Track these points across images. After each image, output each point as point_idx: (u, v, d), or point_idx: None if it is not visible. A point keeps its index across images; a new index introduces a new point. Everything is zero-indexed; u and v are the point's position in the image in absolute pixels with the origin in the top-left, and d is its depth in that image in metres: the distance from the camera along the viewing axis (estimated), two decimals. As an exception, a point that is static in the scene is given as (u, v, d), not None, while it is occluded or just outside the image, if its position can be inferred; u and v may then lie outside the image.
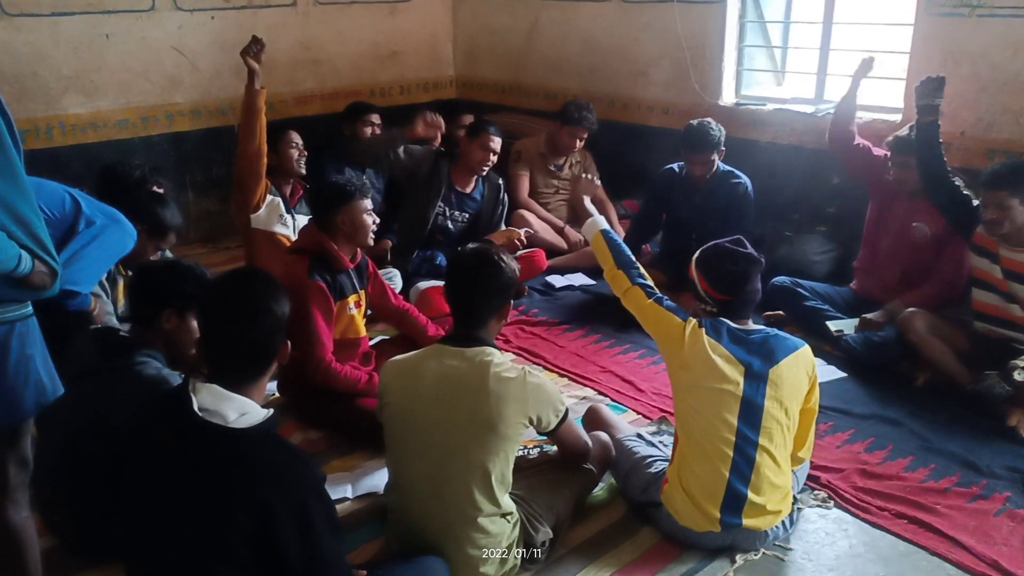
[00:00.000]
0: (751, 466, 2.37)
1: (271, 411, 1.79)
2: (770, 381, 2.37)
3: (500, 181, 4.69)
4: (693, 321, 2.46)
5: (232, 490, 1.66)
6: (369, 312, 3.44)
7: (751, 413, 2.36)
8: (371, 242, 3.25)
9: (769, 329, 2.48)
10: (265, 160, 3.83)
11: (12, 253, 1.78)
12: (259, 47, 3.73)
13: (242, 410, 1.74)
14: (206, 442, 1.70)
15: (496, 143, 4.43)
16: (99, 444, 2.26)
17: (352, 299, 3.20)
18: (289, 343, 1.91)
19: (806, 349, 2.47)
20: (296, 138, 4.10)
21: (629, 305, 2.69)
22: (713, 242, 2.55)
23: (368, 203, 3.19)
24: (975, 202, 3.36)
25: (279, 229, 3.96)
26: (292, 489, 1.70)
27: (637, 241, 4.49)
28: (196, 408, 1.70)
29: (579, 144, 5.01)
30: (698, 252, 2.55)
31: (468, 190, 4.57)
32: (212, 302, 1.89)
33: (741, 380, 2.36)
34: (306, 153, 4.15)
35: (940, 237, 3.66)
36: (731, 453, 2.36)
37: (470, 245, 2.45)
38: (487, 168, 4.48)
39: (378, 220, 3.24)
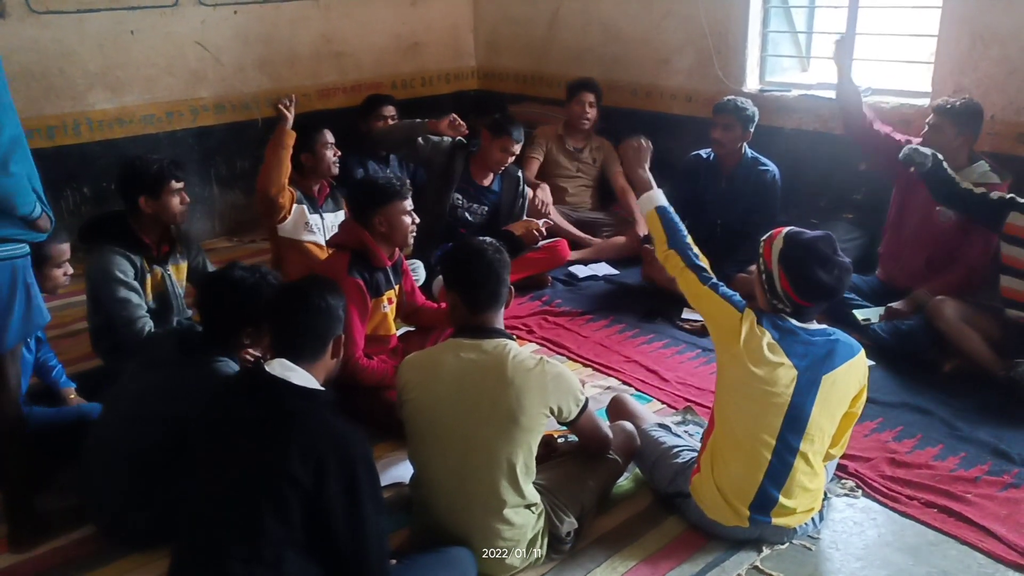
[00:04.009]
0: (787, 472, 2.34)
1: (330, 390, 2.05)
2: (822, 388, 2.28)
3: (519, 173, 4.68)
4: (752, 314, 2.33)
5: (291, 440, 1.82)
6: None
7: (797, 419, 2.29)
8: (410, 242, 3.25)
9: (830, 330, 2.37)
10: (287, 192, 3.87)
11: (32, 199, 2.26)
12: (291, 101, 3.89)
13: (305, 381, 1.97)
14: (274, 396, 1.92)
15: (516, 148, 4.41)
16: (162, 431, 2.32)
17: (387, 296, 3.22)
18: (341, 339, 2.10)
19: (862, 354, 2.38)
20: (331, 137, 4.04)
21: (682, 287, 2.56)
22: (798, 233, 2.35)
23: (408, 204, 3.15)
24: (995, 195, 3.33)
25: (306, 237, 3.95)
26: (345, 452, 1.86)
27: None
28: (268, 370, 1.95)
29: (590, 111, 5.04)
30: (781, 241, 2.34)
31: (486, 183, 4.57)
32: (282, 295, 2.16)
33: (792, 385, 2.27)
34: (339, 152, 4.10)
35: (964, 222, 3.61)
36: (769, 457, 2.32)
37: (460, 241, 2.47)
38: (503, 168, 4.48)
39: (418, 220, 3.21)
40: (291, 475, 1.78)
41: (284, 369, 1.95)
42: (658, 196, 2.68)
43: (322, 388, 2.01)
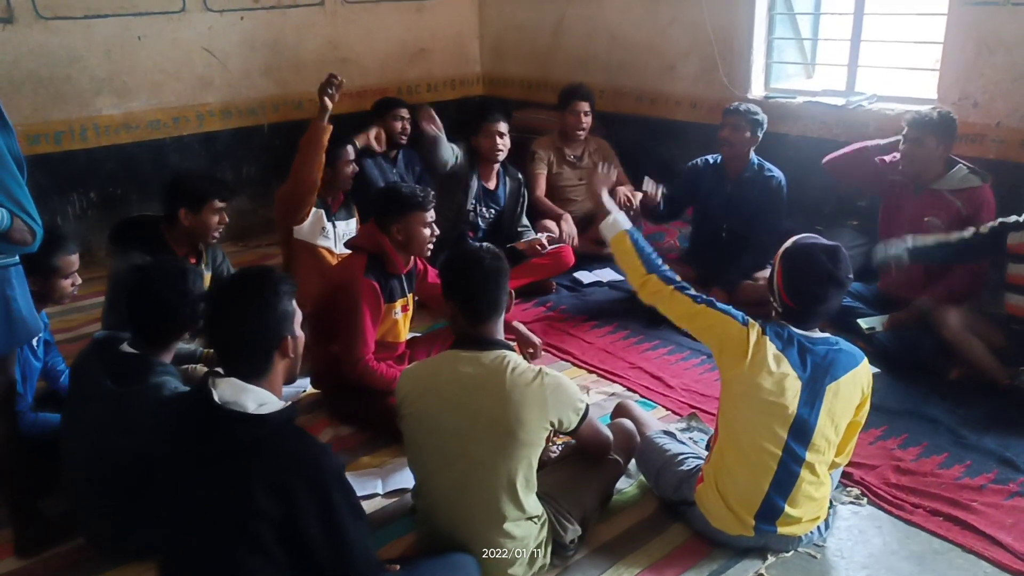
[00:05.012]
0: (793, 481, 2.33)
1: (290, 403, 1.85)
2: (826, 398, 2.28)
3: (519, 176, 4.72)
4: (756, 326, 2.32)
5: (252, 475, 1.70)
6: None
7: (803, 429, 2.29)
8: (427, 253, 3.22)
9: (832, 338, 2.36)
10: (319, 185, 3.82)
11: None
12: (336, 87, 3.71)
13: (261, 401, 1.79)
14: (227, 430, 1.75)
15: (500, 126, 4.42)
16: (124, 466, 2.28)
17: (399, 303, 3.23)
18: (291, 340, 1.89)
19: (865, 363, 2.37)
20: (351, 154, 4.02)
21: (671, 312, 2.47)
22: (808, 237, 2.38)
23: (429, 216, 3.12)
24: (985, 228, 3.34)
25: (321, 242, 3.95)
26: (311, 475, 1.74)
27: (660, 218, 4.38)
28: (216, 399, 1.75)
29: (585, 119, 4.98)
30: (792, 241, 2.38)
31: (493, 186, 4.60)
32: (217, 298, 1.91)
33: (798, 396, 2.27)
34: (357, 169, 4.11)
35: (954, 228, 3.61)
36: (775, 467, 2.31)
37: (457, 249, 2.45)
38: (500, 153, 4.48)
39: (437, 232, 3.20)
40: (259, 511, 1.68)
41: (235, 392, 1.77)
42: (622, 219, 2.61)
43: (280, 406, 1.81)
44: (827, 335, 2.38)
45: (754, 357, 2.28)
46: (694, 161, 4.35)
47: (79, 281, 2.94)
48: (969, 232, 3.39)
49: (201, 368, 3.14)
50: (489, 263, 2.29)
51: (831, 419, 2.31)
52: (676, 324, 2.50)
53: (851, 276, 2.32)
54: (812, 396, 2.28)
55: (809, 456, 2.31)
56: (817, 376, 2.28)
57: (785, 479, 2.33)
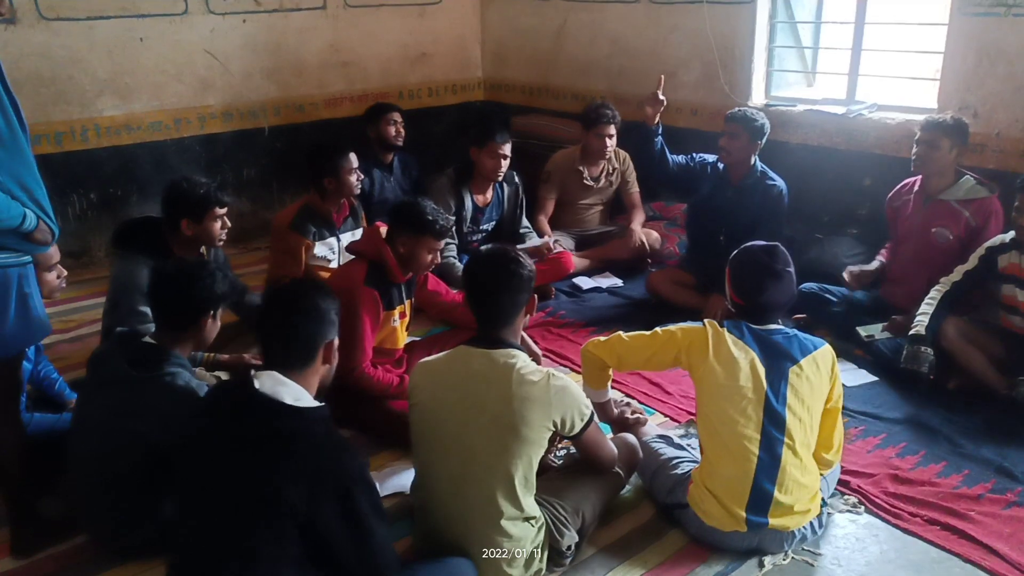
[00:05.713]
0: (777, 464, 2.38)
1: (324, 403, 1.94)
2: (790, 379, 2.38)
3: (516, 179, 4.70)
4: (712, 322, 2.47)
5: (281, 467, 1.76)
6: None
7: (774, 411, 2.36)
8: (424, 273, 3.30)
9: (789, 329, 2.48)
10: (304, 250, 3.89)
11: (16, 212, 2.19)
12: None
13: (297, 396, 1.88)
14: (263, 417, 1.83)
15: (505, 148, 4.38)
16: (133, 454, 2.30)
17: (398, 310, 3.23)
18: (334, 345, 2.02)
19: (826, 348, 2.47)
20: (355, 162, 3.95)
21: (633, 349, 2.60)
22: (751, 243, 2.55)
23: (439, 244, 3.13)
24: (969, 267, 3.42)
25: (312, 262, 3.94)
26: (338, 474, 1.80)
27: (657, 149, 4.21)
28: (257, 387, 1.85)
29: (610, 143, 4.83)
30: (739, 248, 2.56)
31: (488, 198, 4.59)
32: (274, 295, 2.05)
33: (763, 378, 2.37)
34: (363, 176, 4.08)
35: (962, 238, 3.63)
36: (756, 451, 2.36)
37: (484, 247, 2.45)
38: (501, 174, 4.47)
39: (439, 261, 3.22)
40: (285, 502, 1.74)
41: (275, 384, 1.87)
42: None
43: (315, 404, 1.92)
44: (780, 326, 2.49)
45: (716, 348, 2.41)
46: (704, 156, 4.32)
47: (64, 273, 2.96)
48: (959, 274, 3.45)
49: (203, 372, 3.14)
50: (506, 269, 2.29)
51: (799, 399, 2.39)
52: (644, 365, 2.64)
53: (790, 269, 2.46)
54: (777, 378, 2.38)
55: (787, 439, 2.38)
56: (778, 359, 2.40)
57: (769, 462, 2.38)
